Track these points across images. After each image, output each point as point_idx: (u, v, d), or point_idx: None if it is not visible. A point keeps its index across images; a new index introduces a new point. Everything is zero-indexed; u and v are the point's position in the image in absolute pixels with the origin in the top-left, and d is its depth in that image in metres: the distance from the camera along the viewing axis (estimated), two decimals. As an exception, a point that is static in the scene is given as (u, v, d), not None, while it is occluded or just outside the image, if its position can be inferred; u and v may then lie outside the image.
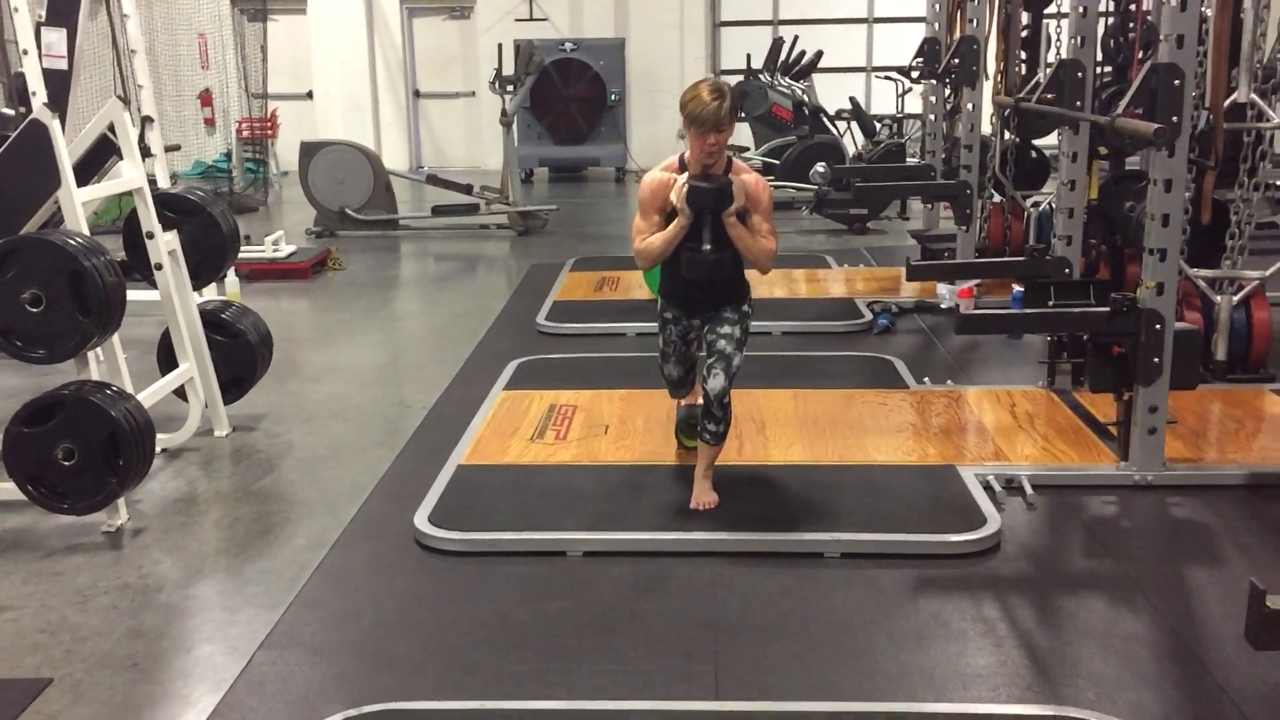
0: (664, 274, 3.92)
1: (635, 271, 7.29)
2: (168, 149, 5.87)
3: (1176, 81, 3.70)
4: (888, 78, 11.86)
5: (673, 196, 3.67)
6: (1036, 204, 7.06)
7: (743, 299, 3.89)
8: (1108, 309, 3.95)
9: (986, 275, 6.37)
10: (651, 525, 3.74)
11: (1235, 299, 5.03)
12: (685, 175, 3.68)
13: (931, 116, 7.77)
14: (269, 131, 13.04)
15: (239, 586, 3.51)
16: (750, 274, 3.89)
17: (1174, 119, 3.72)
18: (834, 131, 11.24)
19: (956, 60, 6.76)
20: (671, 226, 3.70)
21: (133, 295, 5.37)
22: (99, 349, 3.92)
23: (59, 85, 4.50)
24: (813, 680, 2.91)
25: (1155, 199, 3.86)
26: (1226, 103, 4.84)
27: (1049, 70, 6.34)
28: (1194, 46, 3.73)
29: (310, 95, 14.75)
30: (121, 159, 4.42)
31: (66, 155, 3.91)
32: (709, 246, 3.70)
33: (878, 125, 11.03)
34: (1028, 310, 4.12)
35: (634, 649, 3.07)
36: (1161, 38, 3.75)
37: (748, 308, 3.90)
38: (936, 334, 6.25)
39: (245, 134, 12.74)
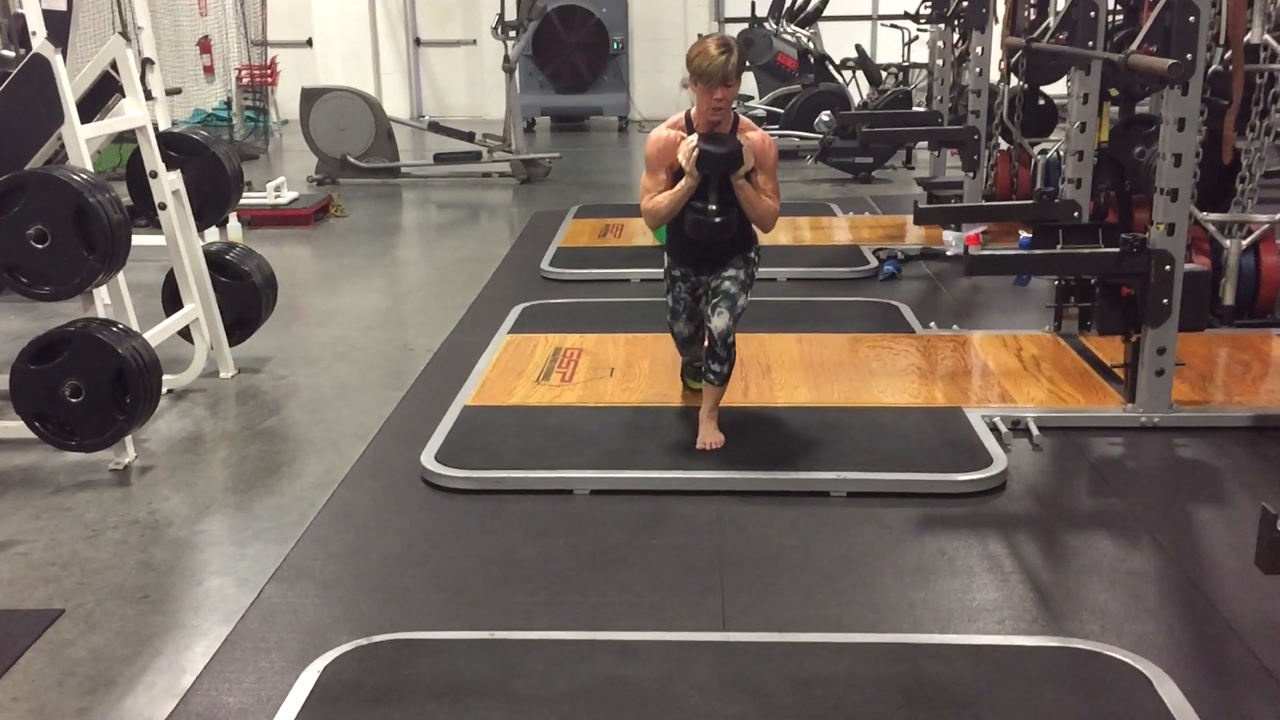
0: (670, 233, 3.90)
1: (638, 219, 7.18)
2: (169, 92, 5.82)
3: (1191, 18, 3.66)
4: (894, 26, 11.74)
5: (680, 158, 3.65)
6: (1044, 151, 7.00)
7: (749, 249, 3.88)
8: (1117, 250, 3.94)
9: (995, 219, 6.34)
10: (658, 464, 3.74)
11: (1244, 244, 5.00)
12: (694, 136, 3.65)
13: (939, 63, 7.69)
14: (269, 79, 12.93)
15: (248, 522, 3.52)
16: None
17: (1189, 56, 3.68)
18: (839, 80, 11.14)
19: (965, 3, 6.68)
20: (679, 187, 3.68)
21: (134, 240, 5.39)
22: (104, 287, 3.90)
23: (59, 25, 4.45)
24: (819, 612, 2.93)
25: (1168, 138, 3.83)
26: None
27: (1059, 14, 6.28)
28: (1209, -18, 3.69)
29: (310, 43, 14.59)
30: (124, 97, 4.39)
31: (69, 90, 3.87)
32: (714, 208, 3.68)
33: (883, 74, 10.93)
34: (1038, 251, 4.09)
35: (640, 582, 3.09)
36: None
37: (754, 254, 3.89)
38: (942, 280, 6.23)
39: (245, 81, 12.63)
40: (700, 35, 3.65)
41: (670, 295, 4.03)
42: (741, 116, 3.76)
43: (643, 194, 3.81)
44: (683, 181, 3.67)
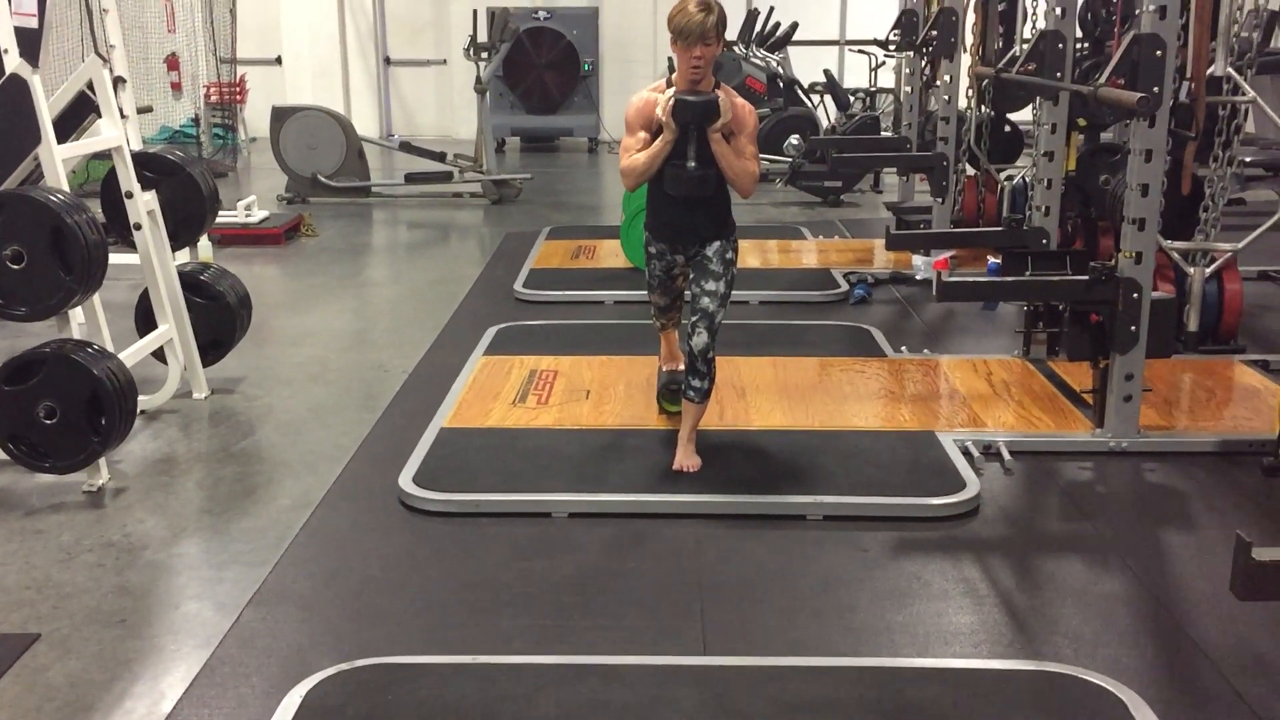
0: (649, 204, 3.91)
1: (611, 240, 7.29)
2: (141, 110, 5.79)
3: (1158, 52, 3.75)
4: (861, 51, 11.89)
5: (658, 111, 3.65)
6: (1010, 177, 7.12)
7: (727, 235, 3.86)
8: (1086, 277, 4.01)
9: (965, 245, 6.42)
10: (636, 487, 3.76)
11: (1208, 271, 5.10)
12: (672, 90, 3.67)
13: (907, 89, 7.79)
14: (237, 97, 12.87)
15: (224, 545, 3.50)
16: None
17: (1155, 89, 3.76)
18: (808, 104, 11.26)
19: (935, 32, 6.78)
20: (656, 142, 3.68)
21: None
22: (80, 308, 3.88)
23: (30, 43, 4.42)
24: (798, 636, 2.96)
25: (1135, 169, 3.91)
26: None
27: (1025, 44, 6.39)
28: (1176, 17, 3.78)
29: (279, 61, 14.56)
30: (100, 117, 4.38)
31: (46, 110, 3.86)
32: (693, 164, 3.68)
33: (851, 99, 11.05)
34: (1009, 277, 4.16)
35: (621, 606, 3.10)
36: (1144, 8, 3.79)
37: (732, 255, 3.87)
38: (912, 304, 6.30)
39: (213, 99, 12.57)
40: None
41: (648, 270, 4.08)
42: (724, 84, 3.75)
43: (622, 153, 3.80)
44: (661, 136, 3.67)
